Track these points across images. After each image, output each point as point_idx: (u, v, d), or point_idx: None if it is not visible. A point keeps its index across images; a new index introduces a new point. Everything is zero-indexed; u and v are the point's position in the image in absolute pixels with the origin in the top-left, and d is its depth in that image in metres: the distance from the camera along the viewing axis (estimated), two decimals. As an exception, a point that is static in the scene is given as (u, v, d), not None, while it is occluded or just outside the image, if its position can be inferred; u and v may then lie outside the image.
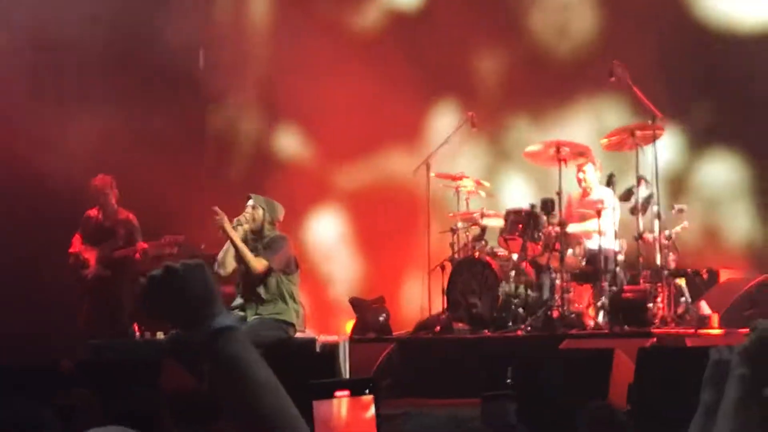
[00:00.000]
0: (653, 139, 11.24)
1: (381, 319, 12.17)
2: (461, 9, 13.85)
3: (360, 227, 14.44)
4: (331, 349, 10.32)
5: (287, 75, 14.61)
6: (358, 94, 13.70)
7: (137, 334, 11.45)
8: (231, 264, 9.98)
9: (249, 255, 9.85)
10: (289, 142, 15.01)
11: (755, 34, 12.43)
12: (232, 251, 9.94)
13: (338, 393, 4.26)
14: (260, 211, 10.08)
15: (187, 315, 2.24)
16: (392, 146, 14.24)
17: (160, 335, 10.84)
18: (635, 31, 12.79)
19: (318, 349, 10.20)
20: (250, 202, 10.12)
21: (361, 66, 13.79)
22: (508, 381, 7.82)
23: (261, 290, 9.94)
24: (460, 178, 12.25)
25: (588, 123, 13.18)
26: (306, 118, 14.74)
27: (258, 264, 9.85)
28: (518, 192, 13.30)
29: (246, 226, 9.98)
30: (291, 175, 14.37)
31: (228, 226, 9.83)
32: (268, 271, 9.92)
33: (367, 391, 4.24)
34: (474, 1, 14.00)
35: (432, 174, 12.44)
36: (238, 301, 10.04)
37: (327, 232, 14.72)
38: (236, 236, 9.85)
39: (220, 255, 10.01)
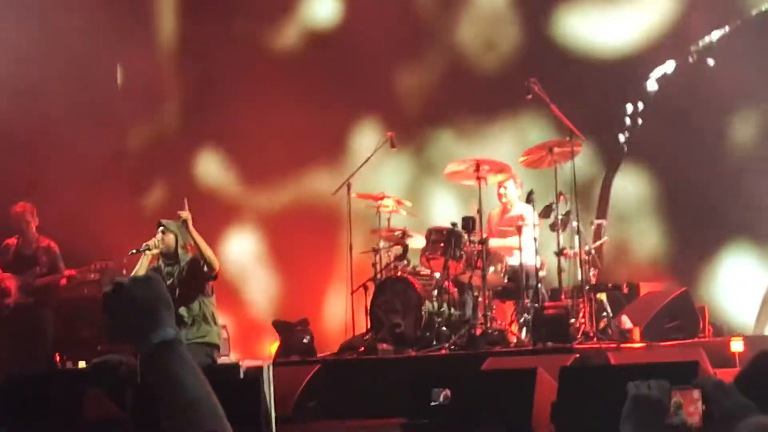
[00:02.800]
0: (571, 155, 11.31)
1: (305, 341, 12.10)
2: (379, 25, 13.86)
3: (281, 248, 14.40)
4: (255, 374, 10.24)
5: (206, 96, 14.55)
6: (278, 114, 13.67)
7: (59, 363, 11.32)
8: None
9: (209, 251, 9.88)
10: (209, 165, 14.94)
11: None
12: (144, 269, 9.92)
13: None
14: (171, 236, 10.02)
15: (134, 328, 2.32)
16: (314, 166, 14.24)
17: (82, 365, 10.73)
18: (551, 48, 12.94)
19: (242, 375, 10.13)
20: (161, 228, 10.07)
21: (281, 86, 13.77)
22: (433, 404, 7.82)
23: (183, 312, 9.87)
24: (381, 198, 12.24)
25: (510, 139, 13.26)
26: (226, 139, 14.68)
27: (215, 262, 9.90)
28: (442, 210, 13.34)
29: (155, 251, 9.94)
30: (211, 198, 14.29)
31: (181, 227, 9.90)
32: (211, 279, 9.93)
33: None
34: (391, 17, 13.99)
35: (353, 194, 12.42)
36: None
37: (248, 254, 14.66)
38: (197, 235, 9.87)
39: (134, 272, 9.95)
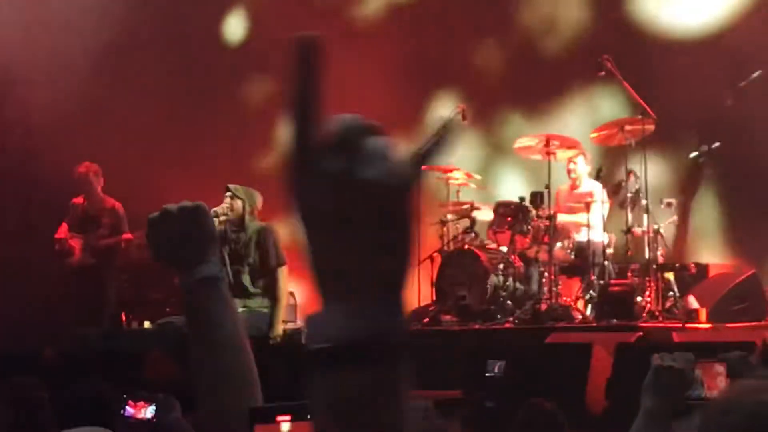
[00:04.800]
0: (643, 133, 11.22)
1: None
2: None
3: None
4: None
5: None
6: (357, 84, 13.67)
7: (124, 323, 11.45)
8: None
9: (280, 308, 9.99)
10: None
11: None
12: None
13: (280, 418, 4.30)
14: (239, 202, 9.98)
15: (177, 258, 2.26)
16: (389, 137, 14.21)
17: (147, 325, 10.85)
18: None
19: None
20: (228, 194, 10.05)
21: (359, 57, 13.78)
22: (488, 374, 7.84)
23: (247, 282, 9.91)
24: (451, 171, 12.22)
25: (581, 116, 13.18)
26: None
27: (285, 288, 9.97)
28: (510, 185, 13.29)
29: (222, 218, 9.92)
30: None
31: None
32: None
33: (308, 416, 4.30)
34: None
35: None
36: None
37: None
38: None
39: None
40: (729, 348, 7.35)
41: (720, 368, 2.73)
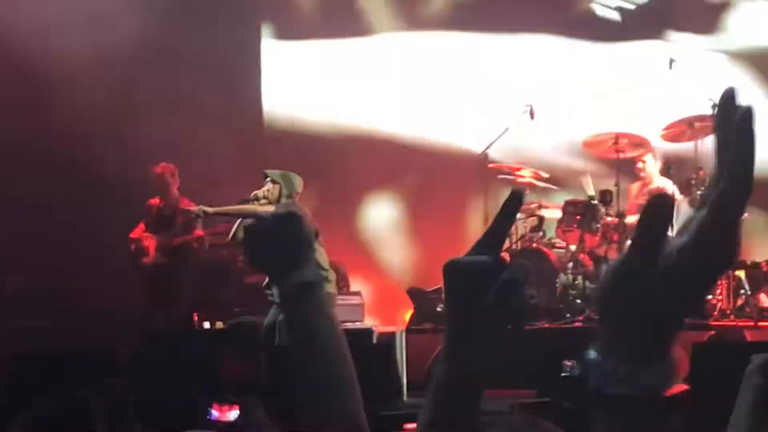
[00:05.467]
0: (713, 130, 11.10)
1: (439, 309, 12.15)
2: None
3: (417, 215, 14.37)
4: (388, 340, 10.34)
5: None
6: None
7: (196, 323, 11.52)
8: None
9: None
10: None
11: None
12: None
13: (407, 426, 4.32)
14: (276, 187, 9.93)
15: (274, 265, 2.25)
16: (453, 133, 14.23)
17: (219, 325, 10.93)
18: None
19: (375, 340, 10.23)
20: (268, 179, 10.03)
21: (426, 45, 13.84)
22: (563, 374, 7.81)
23: None
24: (518, 169, 12.21)
25: (650, 113, 13.10)
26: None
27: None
28: (577, 182, 13.23)
29: (264, 202, 9.89)
30: (348, 165, 14.37)
31: (212, 209, 10.01)
32: None
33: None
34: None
35: (491, 165, 12.38)
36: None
37: (384, 220, 14.69)
38: (233, 208, 9.97)
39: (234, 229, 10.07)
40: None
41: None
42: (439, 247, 13.99)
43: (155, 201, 12.10)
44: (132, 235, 11.98)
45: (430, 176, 14.24)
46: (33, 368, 7.70)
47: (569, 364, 7.85)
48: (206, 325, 11.46)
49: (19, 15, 12.68)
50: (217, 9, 14.13)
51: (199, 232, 11.83)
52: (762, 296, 10.82)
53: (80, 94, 12.64)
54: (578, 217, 11.44)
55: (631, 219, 11.43)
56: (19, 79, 12.77)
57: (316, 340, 2.22)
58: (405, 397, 9.57)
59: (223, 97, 13.79)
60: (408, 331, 11.12)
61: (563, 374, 7.80)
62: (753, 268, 11.28)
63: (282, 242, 2.24)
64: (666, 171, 11.43)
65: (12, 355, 8.67)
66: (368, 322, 11.85)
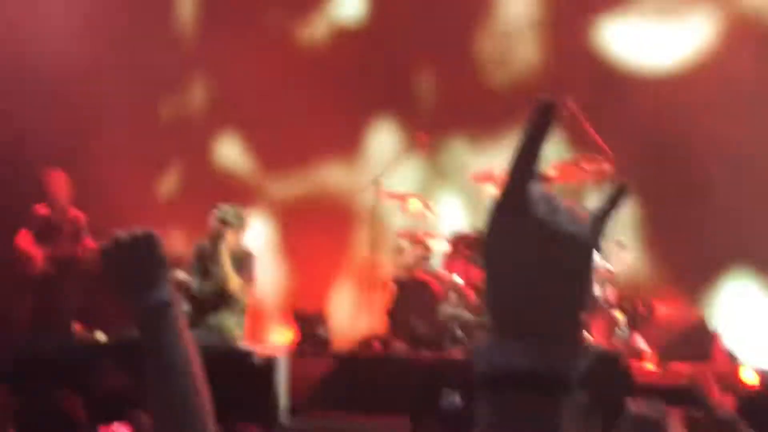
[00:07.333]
0: (600, 174, 11.33)
1: (322, 334, 12.19)
2: (404, 26, 13.89)
3: (293, 239, 14.31)
4: (269, 362, 10.32)
5: (230, 82, 14.53)
6: (300, 106, 13.63)
7: (79, 334, 11.40)
8: None
9: (231, 273, 10.04)
10: (230, 149, 14.88)
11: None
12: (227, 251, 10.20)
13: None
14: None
15: (128, 286, 2.29)
16: (330, 159, 14.19)
17: (100, 336, 10.84)
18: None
19: (255, 362, 10.22)
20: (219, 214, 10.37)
21: (306, 78, 13.77)
22: (442, 405, 7.87)
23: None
24: (406, 198, 12.32)
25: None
26: (246, 127, 14.66)
27: (234, 284, 10.04)
28: (455, 213, 13.31)
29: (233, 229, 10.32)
30: (227, 183, 14.33)
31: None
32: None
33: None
34: (417, 19, 13.95)
35: (381, 192, 12.43)
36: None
37: (259, 242, 14.58)
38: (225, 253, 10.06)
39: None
40: (678, 390, 7.44)
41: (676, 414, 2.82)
42: (311, 271, 13.95)
43: (42, 209, 11.92)
44: (18, 243, 11.81)
45: (305, 200, 14.19)
46: None
47: (449, 396, 7.93)
48: (89, 336, 11.35)
49: None
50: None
51: (89, 242, 11.71)
52: (637, 338, 11.01)
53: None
54: (464, 249, 11.55)
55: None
56: None
57: (169, 360, 2.25)
58: (285, 420, 9.60)
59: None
60: (290, 354, 11.14)
61: (442, 404, 7.88)
62: (631, 310, 11.48)
63: (139, 263, 2.28)
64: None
65: None
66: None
